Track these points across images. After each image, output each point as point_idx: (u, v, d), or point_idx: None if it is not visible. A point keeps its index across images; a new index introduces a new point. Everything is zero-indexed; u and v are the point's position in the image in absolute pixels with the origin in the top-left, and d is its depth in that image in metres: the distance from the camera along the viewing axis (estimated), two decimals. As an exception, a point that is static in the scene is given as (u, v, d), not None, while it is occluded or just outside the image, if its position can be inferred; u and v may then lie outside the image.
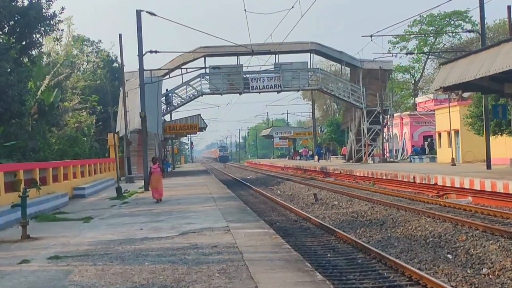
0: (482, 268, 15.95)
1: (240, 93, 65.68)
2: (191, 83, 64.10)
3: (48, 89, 45.31)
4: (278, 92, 67.73)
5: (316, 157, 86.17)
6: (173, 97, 65.17)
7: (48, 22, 37.04)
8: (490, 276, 15.23)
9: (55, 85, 48.49)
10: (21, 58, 36.74)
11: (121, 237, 17.81)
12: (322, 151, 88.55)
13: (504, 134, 43.33)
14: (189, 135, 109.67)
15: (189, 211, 25.14)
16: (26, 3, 36.27)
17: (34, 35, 36.82)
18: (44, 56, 46.72)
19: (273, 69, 64.73)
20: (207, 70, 63.28)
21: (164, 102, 64.76)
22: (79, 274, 12.47)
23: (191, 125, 71.20)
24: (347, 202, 33.32)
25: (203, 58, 63.36)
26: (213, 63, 64.45)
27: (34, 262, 14.18)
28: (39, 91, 43.18)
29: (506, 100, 39.94)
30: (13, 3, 35.55)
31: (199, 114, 73.33)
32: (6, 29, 36.06)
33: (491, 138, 41.46)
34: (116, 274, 12.35)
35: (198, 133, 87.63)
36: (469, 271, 15.76)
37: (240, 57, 63.18)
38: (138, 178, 46.95)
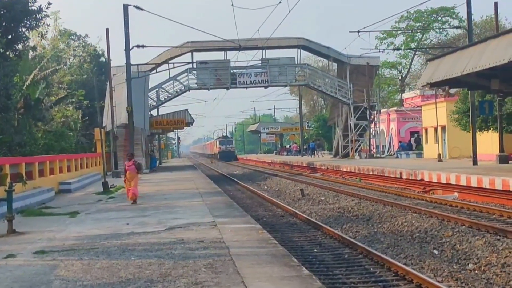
0: (468, 264, 16.01)
1: (227, 88, 65.81)
2: (178, 78, 64.13)
3: (34, 84, 45.23)
4: (265, 87, 67.92)
5: (314, 152, 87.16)
6: (160, 92, 65.12)
7: (34, 16, 36.94)
8: (476, 271, 15.29)
9: (41, 79, 48.37)
10: (6, 52, 36.63)
11: (107, 232, 17.77)
12: (315, 146, 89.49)
13: (490, 130, 43.49)
14: (176, 130, 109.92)
15: (175, 206, 25.11)
16: (12, -3, 36.17)
17: (20, 29, 36.70)
18: (30, 50, 46.47)
19: (260, 64, 64.85)
20: (195, 65, 63.31)
21: (155, 98, 64.84)
22: (65, 269, 12.43)
23: (178, 120, 71.34)
24: (334, 197, 33.37)
25: (190, 53, 63.29)
26: (201, 58, 64.72)
27: (19, 256, 14.14)
28: (25, 85, 43.05)
29: (493, 96, 40.10)
30: (-1, -2, 35.47)
31: (186, 109, 73.43)
32: (-9, 23, 35.95)
33: (478, 134, 41.64)
34: (102, 268, 12.33)
35: (185, 128, 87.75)
36: (455, 267, 15.82)
37: (228, 52, 63.36)
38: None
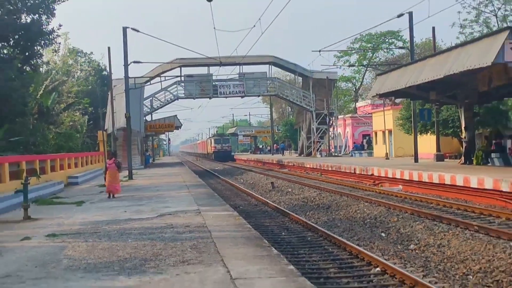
0: (410, 244, 16.08)
1: (210, 98, 65.77)
2: (168, 89, 64.54)
3: (47, 93, 45.06)
4: (242, 97, 68.09)
5: (284, 151, 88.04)
6: (154, 100, 65.38)
7: (47, 36, 36.87)
8: (417, 251, 15.36)
9: (53, 89, 48.20)
10: (24, 67, 36.52)
11: (108, 218, 17.69)
12: (285, 146, 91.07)
13: (429, 134, 43.74)
14: (167, 133, 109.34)
15: (166, 196, 25.04)
16: (29, 20, 35.99)
17: (35, 47, 36.63)
18: (44, 65, 46.19)
19: (238, 77, 65.06)
20: (182, 78, 63.85)
21: (149, 106, 64.94)
22: (72, 249, 12.37)
23: (169, 124, 72.13)
24: (299, 189, 33.40)
25: (179, 68, 63.56)
26: (187, 72, 64.55)
27: (34, 239, 14.05)
28: (39, 95, 42.84)
29: (431, 105, 40.34)
30: (18, 20, 35.26)
31: (175, 115, 74.01)
32: (11, 42, 35.82)
33: (418, 136, 41.87)
34: (103, 249, 12.27)
35: (174, 131, 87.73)
36: (399, 247, 15.88)
37: (210, 67, 63.38)
38: (123, 168, 46.70)
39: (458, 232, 16.60)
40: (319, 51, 60.37)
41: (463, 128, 35.24)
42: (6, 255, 11.97)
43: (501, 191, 21.80)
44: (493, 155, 32.44)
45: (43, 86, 44.74)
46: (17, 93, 33.46)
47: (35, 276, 9.85)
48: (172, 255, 11.25)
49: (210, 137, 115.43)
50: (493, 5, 57.01)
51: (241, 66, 63.76)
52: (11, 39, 35.76)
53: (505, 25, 50.54)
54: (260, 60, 65.27)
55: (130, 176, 39.91)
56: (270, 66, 66.81)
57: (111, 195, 25.36)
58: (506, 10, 56.96)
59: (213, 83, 64.43)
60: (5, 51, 35.70)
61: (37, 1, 35.95)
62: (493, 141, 33.45)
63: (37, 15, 36.22)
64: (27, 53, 36.21)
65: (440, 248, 15.23)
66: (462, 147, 36.07)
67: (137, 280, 9.29)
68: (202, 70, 65.07)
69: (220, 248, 11.74)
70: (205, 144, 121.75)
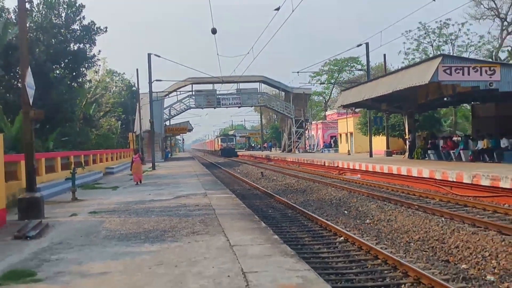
0: (366, 219, 16.12)
1: (214, 107, 65.69)
2: (183, 101, 64.56)
3: (89, 104, 45.02)
4: (239, 107, 68.06)
5: (271, 148, 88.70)
6: (171, 109, 65.37)
7: (90, 60, 36.88)
8: (371, 224, 15.40)
9: (94, 101, 48.14)
10: (72, 84, 36.43)
11: (136, 199, 17.66)
12: (272, 145, 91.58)
13: (380, 135, 43.84)
14: (181, 134, 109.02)
15: (180, 183, 25.00)
16: (76, 48, 36.00)
17: (81, 69, 36.59)
18: (87, 82, 45.99)
19: (235, 92, 65.14)
20: (193, 93, 63.82)
21: (168, 114, 64.94)
22: (109, 223, 12.36)
23: (183, 128, 72.22)
24: (282, 177, 33.41)
25: (190, 85, 63.56)
26: (197, 88, 64.50)
27: (79, 215, 14.02)
28: (83, 105, 42.76)
29: (382, 114, 40.42)
30: (67, 48, 35.27)
31: (188, 121, 74.09)
32: (62, 65, 35.75)
33: (373, 137, 41.96)
34: (133, 223, 12.26)
35: (187, 132, 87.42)
36: (358, 221, 15.92)
37: (215, 84, 63.34)
38: (148, 161, 46.53)
39: (402, 210, 16.65)
40: (298, 72, 60.71)
41: (406, 131, 35.33)
42: (59, 227, 11.95)
43: (435, 179, 21.89)
44: (429, 151, 32.52)
45: (86, 99, 44.71)
46: (67, 104, 33.49)
47: (81, 243, 9.85)
48: (185, 228, 11.25)
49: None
50: (429, 37, 57.13)
51: (238, 84, 63.94)
52: (62, 62, 35.72)
53: (439, 52, 50.65)
54: (253, 79, 65.30)
55: (153, 167, 39.82)
56: (260, 83, 67.08)
57: (139, 182, 25.12)
58: (439, 41, 57.08)
59: (217, 96, 64.49)
60: (58, 72, 35.58)
61: (82, 33, 35.88)
62: (429, 141, 33.52)
63: (82, 44, 36.16)
64: (74, 73, 36.14)
65: (389, 222, 15.28)
66: (406, 146, 36.16)
67: (158, 247, 9.29)
68: (208, 87, 65.05)
69: (222, 222, 11.74)
70: (213, 143, 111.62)
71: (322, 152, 66.03)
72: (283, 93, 71.29)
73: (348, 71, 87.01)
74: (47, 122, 30.73)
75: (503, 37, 51.81)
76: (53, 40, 34.44)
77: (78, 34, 36.05)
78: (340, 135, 62.12)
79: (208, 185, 22.90)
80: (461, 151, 28.79)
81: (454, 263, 10.66)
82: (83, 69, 37.31)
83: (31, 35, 32.35)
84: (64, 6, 35.57)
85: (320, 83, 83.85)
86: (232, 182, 33.57)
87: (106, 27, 36.72)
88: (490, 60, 40.27)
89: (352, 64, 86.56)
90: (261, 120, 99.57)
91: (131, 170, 26.33)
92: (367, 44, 40.06)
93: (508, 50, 49.81)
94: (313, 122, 77.63)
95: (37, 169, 18.79)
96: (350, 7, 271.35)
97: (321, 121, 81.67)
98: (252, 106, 78.51)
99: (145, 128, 52.14)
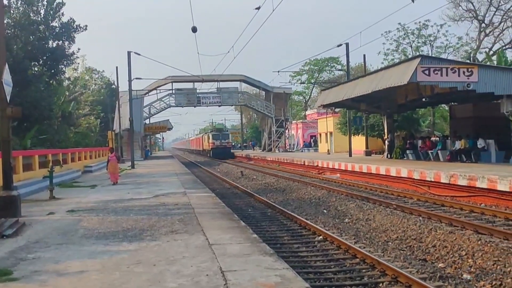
0: (345, 219, 16.20)
1: (195, 106, 65.51)
2: (163, 99, 64.44)
3: (68, 102, 44.63)
4: (219, 106, 67.96)
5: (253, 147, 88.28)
6: (151, 108, 65.05)
7: (69, 57, 36.51)
8: (350, 223, 15.48)
9: (73, 99, 47.72)
10: (50, 81, 36.04)
11: (115, 198, 17.53)
12: (255, 144, 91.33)
13: (360, 135, 44.11)
14: (161, 133, 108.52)
15: (160, 181, 24.90)
16: (54, 45, 35.64)
17: (59, 66, 36.22)
18: (66, 80, 45.52)
19: (216, 91, 65.03)
20: (173, 91, 63.61)
21: (148, 112, 64.57)
22: (87, 222, 12.25)
23: (162, 126, 72.16)
24: (262, 176, 33.45)
25: (171, 83, 63.35)
26: (177, 86, 64.26)
27: (57, 214, 13.88)
28: (62, 103, 42.36)
29: (362, 114, 40.68)
30: (46, 45, 34.91)
31: (168, 119, 74.09)
32: (41, 62, 35.37)
33: (352, 137, 42.19)
34: (111, 222, 12.17)
35: (167, 131, 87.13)
36: (337, 220, 15.99)
37: (195, 83, 63.20)
38: (127, 160, 46.29)
39: (381, 209, 16.76)
40: (278, 71, 61.21)
41: (385, 131, 35.59)
42: (36, 226, 11.81)
43: (413, 179, 22.08)
44: (407, 151, 32.80)
45: (65, 97, 44.32)
46: (45, 101, 33.14)
47: (58, 242, 9.76)
48: (164, 226, 11.20)
49: (207, 133, 79.72)
50: (409, 38, 57.65)
51: (218, 82, 63.82)
52: (40, 59, 35.31)
53: (417, 53, 51.11)
54: (233, 78, 65.27)
55: (133, 166, 39.57)
56: (240, 82, 67.12)
57: (115, 182, 24.08)
58: (418, 43, 57.63)
59: (197, 95, 64.30)
60: (36, 69, 35.22)
61: (61, 31, 35.49)
62: (408, 141, 33.82)
63: (61, 41, 35.79)
64: (53, 71, 35.74)
65: (368, 221, 15.37)
66: (385, 145, 36.42)
67: (137, 246, 9.23)
68: (189, 85, 64.86)
69: (201, 221, 11.71)
70: (200, 141, 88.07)
71: (302, 151, 66.21)
72: (264, 92, 71.38)
73: (328, 71, 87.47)
74: (24, 120, 30.41)
75: (480, 38, 52.45)
76: (31, 37, 34.01)
77: (57, 31, 35.65)
78: (320, 134, 62.35)
79: (187, 184, 22.82)
80: (439, 151, 29.08)
81: (431, 262, 10.75)
82: (62, 66, 36.93)
83: (9, 31, 31.88)
84: (43, 3, 35.15)
85: (301, 83, 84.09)
86: (212, 181, 33.50)
87: (86, 25, 36.37)
88: (468, 61, 40.72)
89: (332, 64, 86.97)
90: (241, 119, 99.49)
91: (107, 169, 25.41)
92: (347, 44, 40.26)
93: (485, 52, 50.45)
94: (293, 122, 77.81)
95: (14, 167, 18.55)
96: (331, 7, 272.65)
97: (301, 120, 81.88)
98: (232, 105, 78.59)
99: (125, 127, 51.85)
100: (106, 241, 9.78)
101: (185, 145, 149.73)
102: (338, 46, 40.44)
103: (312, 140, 71.61)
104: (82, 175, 31.33)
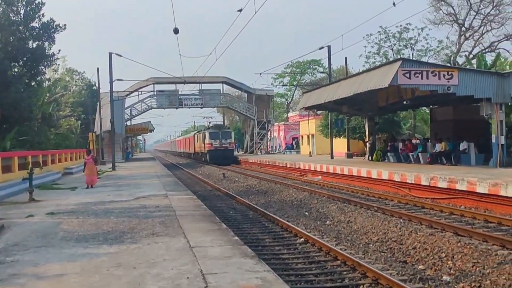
0: (326, 221, 16.25)
1: (176, 108, 65.28)
2: (144, 101, 63.95)
3: (48, 103, 44.21)
4: (201, 107, 67.85)
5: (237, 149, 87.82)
6: (132, 109, 64.68)
7: (49, 58, 36.22)
8: (331, 226, 15.53)
9: (53, 100, 47.30)
10: (30, 82, 35.74)
11: (95, 200, 17.41)
12: (239, 145, 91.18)
13: (341, 137, 44.26)
14: (143, 134, 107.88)
15: (141, 183, 24.78)
16: (34, 45, 35.32)
17: (39, 67, 35.91)
18: (46, 81, 45.10)
19: (198, 93, 64.83)
20: (155, 93, 63.30)
21: (129, 114, 64.17)
22: (67, 224, 12.15)
23: (144, 128, 71.91)
24: (244, 178, 33.45)
25: (152, 85, 63.06)
26: (159, 88, 63.95)
27: (36, 216, 13.75)
28: (42, 104, 41.96)
29: (343, 116, 40.85)
30: (26, 46, 34.57)
31: (149, 121, 73.73)
32: (20, 63, 35.05)
33: (334, 139, 42.32)
34: (91, 224, 12.08)
35: (148, 133, 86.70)
36: (318, 223, 16.03)
37: (177, 84, 62.96)
38: (108, 162, 45.99)
39: (362, 211, 16.85)
40: (260, 73, 61.03)
41: (367, 133, 35.77)
42: (15, 229, 11.69)
43: (394, 181, 22.22)
44: (388, 154, 33.01)
45: (45, 98, 43.91)
46: (25, 102, 32.81)
47: (37, 245, 9.66)
48: (144, 229, 11.14)
49: (201, 131, 65.09)
50: (390, 41, 58.00)
51: (200, 84, 63.64)
52: (20, 60, 35.01)
53: (399, 56, 51.53)
54: (215, 80, 65.16)
55: (114, 168, 39.31)
56: (223, 84, 67.05)
57: (91, 186, 23.15)
58: (399, 46, 58.01)
59: (179, 97, 64.04)
60: (16, 70, 34.89)
61: (41, 31, 35.22)
62: (389, 143, 34.03)
63: (41, 42, 35.50)
64: (33, 72, 35.46)
65: (349, 223, 15.44)
66: (366, 148, 36.60)
67: (117, 248, 9.17)
68: (171, 87, 64.63)
69: (182, 224, 11.67)
70: (191, 141, 71.63)
71: (284, 153, 66.27)
72: (246, 94, 71.40)
73: (310, 74, 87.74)
74: (4, 121, 30.08)
75: (461, 42, 52.96)
76: (11, 38, 33.69)
77: (37, 31, 35.35)
78: (302, 136, 62.47)
79: (169, 186, 22.73)
80: (419, 154, 29.31)
81: (411, 264, 10.83)
82: (42, 67, 36.66)
83: (-12, 32, 31.61)
84: (23, 3, 34.84)
85: (283, 85, 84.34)
86: (194, 183, 33.41)
87: (65, 25, 36.10)
88: (448, 64, 41.12)
89: (314, 67, 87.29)
90: (223, 121, 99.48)
91: (83, 172, 24.29)
92: (329, 47, 40.43)
93: (465, 55, 50.98)
94: (275, 124, 77.91)
95: (-7, 169, 18.35)
96: (314, 11, 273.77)
97: (283, 122, 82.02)
98: (214, 107, 78.26)
99: (106, 128, 51.52)
100: (86, 243, 9.70)
101: (170, 147, 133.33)
102: (320, 48, 40.59)
103: (294, 142, 71.74)
104: (62, 177, 31.05)
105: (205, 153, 56.21)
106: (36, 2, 35.00)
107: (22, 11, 35.05)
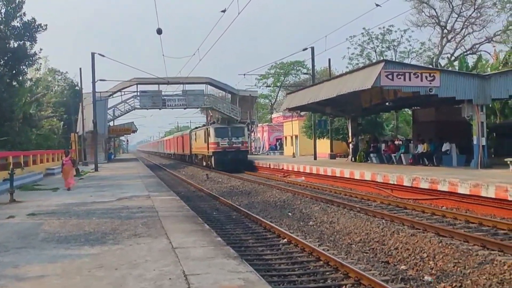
0: (309, 221, 16.29)
1: (160, 109, 65.00)
2: (127, 101, 63.51)
3: (29, 103, 43.78)
4: (185, 108, 67.56)
5: None
6: (115, 110, 64.26)
7: (31, 58, 35.84)
8: (314, 226, 15.58)
9: (35, 100, 46.84)
10: (12, 82, 35.33)
11: (77, 201, 17.27)
12: None
13: (325, 138, 44.40)
14: (126, 135, 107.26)
15: (123, 184, 24.63)
16: (16, 45, 34.97)
17: (21, 67, 35.53)
18: (28, 81, 44.68)
19: (181, 93, 64.63)
20: (138, 93, 62.92)
21: (112, 114, 63.74)
22: (48, 225, 12.04)
23: (127, 129, 71.47)
24: (227, 179, 33.40)
25: (136, 85, 62.67)
26: (142, 88, 63.60)
27: (17, 217, 13.61)
28: (23, 104, 41.55)
29: (327, 117, 41.00)
30: (7, 45, 34.22)
31: (132, 122, 73.23)
32: (1, 62, 34.64)
33: (317, 140, 42.43)
34: (73, 225, 11.99)
35: (131, 133, 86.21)
36: (301, 223, 16.07)
37: (160, 85, 62.67)
38: (91, 162, 45.64)
39: (345, 212, 16.92)
40: (244, 74, 61.05)
41: (350, 135, 35.96)
42: (-6, 230, 11.56)
43: (377, 182, 22.35)
44: (371, 155, 33.18)
45: (27, 98, 43.48)
46: (6, 102, 32.51)
47: (18, 246, 9.57)
48: (127, 230, 11.08)
49: (202, 127, 50.58)
50: (373, 43, 58.46)
51: (184, 85, 63.46)
52: (1, 60, 34.61)
53: (382, 58, 51.87)
54: (199, 80, 64.98)
55: (96, 169, 39.03)
56: (206, 85, 66.81)
57: (69, 188, 22.11)
58: (382, 47, 58.46)
59: (162, 97, 63.73)
60: (-4, 70, 34.55)
61: (22, 31, 34.85)
62: (372, 144, 34.22)
63: (22, 41, 35.13)
64: (14, 71, 35.08)
65: (332, 224, 15.49)
66: (349, 149, 36.77)
67: (99, 249, 9.11)
68: (154, 87, 64.31)
69: (165, 224, 11.63)
70: (185, 140, 59.94)
71: (268, 154, 66.34)
72: (229, 95, 71.37)
73: (294, 75, 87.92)
74: (-16, 121, 29.74)
75: (443, 44, 53.48)
76: (-9, 37, 33.34)
77: (18, 31, 34.98)
78: (286, 137, 62.62)
79: (152, 187, 22.64)
80: (402, 155, 29.51)
81: (393, 264, 10.90)
82: (24, 67, 36.25)
83: (-32, 30, 31.23)
84: (3, 1, 34.45)
85: (266, 86, 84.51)
86: (177, 184, 33.30)
87: (46, 25, 35.71)
88: (431, 66, 41.47)
89: (298, 68, 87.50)
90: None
91: (61, 173, 23.41)
92: (312, 48, 40.55)
93: (447, 57, 51.48)
94: (259, 125, 77.96)
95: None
96: (297, 11, 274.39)
97: (267, 123, 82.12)
98: (198, 108, 78.10)
99: (88, 129, 51.19)
100: (67, 244, 9.63)
101: (156, 148, 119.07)
102: (304, 50, 40.71)
103: (277, 143, 71.85)
104: (44, 178, 30.76)
105: (208, 156, 43.14)
106: (17, 1, 34.63)
107: (2, 10, 34.67)
